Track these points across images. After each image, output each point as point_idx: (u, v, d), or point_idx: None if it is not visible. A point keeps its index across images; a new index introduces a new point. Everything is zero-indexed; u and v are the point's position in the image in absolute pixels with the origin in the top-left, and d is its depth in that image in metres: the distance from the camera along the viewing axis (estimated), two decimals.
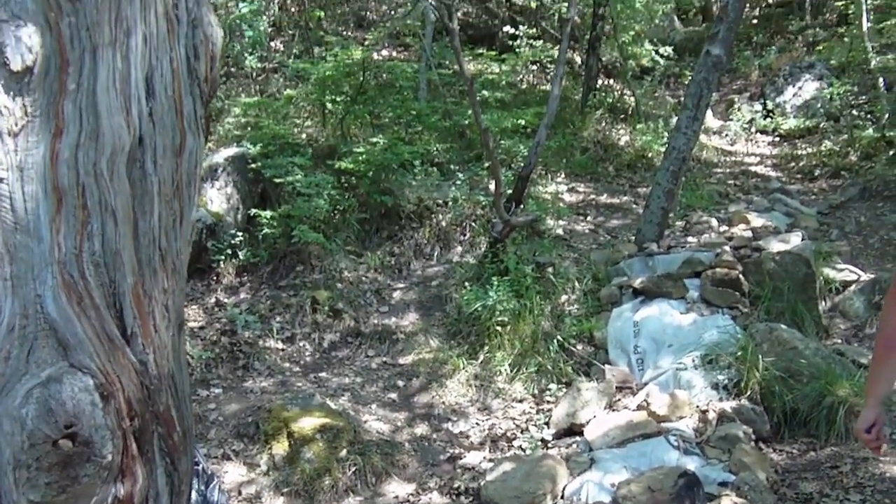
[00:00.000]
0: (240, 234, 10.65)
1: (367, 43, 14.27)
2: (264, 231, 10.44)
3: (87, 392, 3.39)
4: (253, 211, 10.74)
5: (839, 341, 8.54)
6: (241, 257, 10.49)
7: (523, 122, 13.09)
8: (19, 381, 3.35)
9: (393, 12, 18.29)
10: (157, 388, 3.77)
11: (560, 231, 11.59)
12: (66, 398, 3.33)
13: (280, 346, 9.43)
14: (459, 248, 11.46)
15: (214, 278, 10.42)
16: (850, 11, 17.61)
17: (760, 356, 7.40)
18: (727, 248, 9.42)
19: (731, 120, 18.11)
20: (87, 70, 3.62)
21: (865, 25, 15.39)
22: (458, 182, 11.91)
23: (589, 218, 12.54)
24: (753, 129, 17.72)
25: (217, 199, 10.82)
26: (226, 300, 10.10)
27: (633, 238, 10.63)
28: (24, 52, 3.48)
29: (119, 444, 3.49)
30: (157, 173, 3.82)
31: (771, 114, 17.73)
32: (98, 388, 3.43)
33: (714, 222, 10.98)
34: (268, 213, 10.50)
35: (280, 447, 7.23)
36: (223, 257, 10.42)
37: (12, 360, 3.38)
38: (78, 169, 3.58)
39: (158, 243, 3.85)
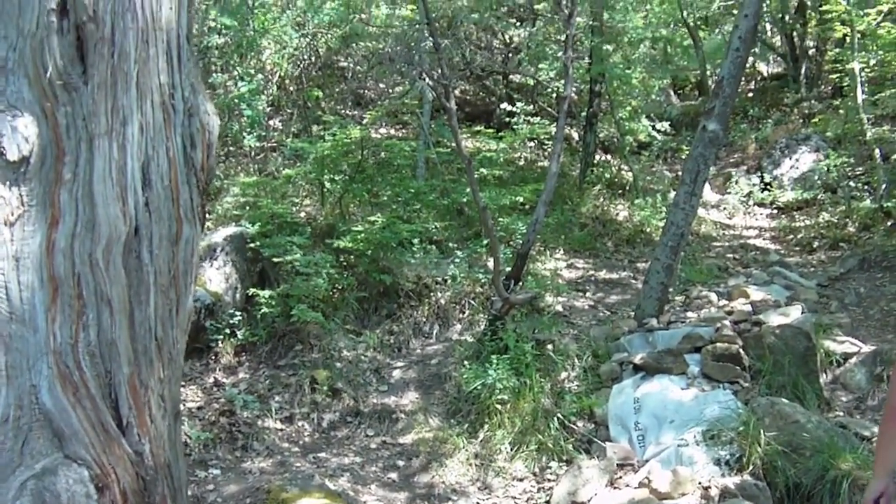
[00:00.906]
0: (238, 313, 10.63)
1: (365, 122, 14.37)
2: (263, 310, 10.41)
3: (82, 484, 3.38)
4: (251, 290, 10.72)
5: (841, 414, 8.47)
6: (239, 337, 10.45)
7: (521, 199, 13.13)
8: (13, 472, 3.33)
9: (391, 91, 18.41)
10: (153, 479, 3.74)
11: (559, 307, 11.57)
12: (61, 490, 3.32)
13: (279, 426, 9.37)
14: (458, 326, 11.43)
15: (213, 358, 10.37)
16: (844, 84, 17.70)
17: (762, 431, 7.34)
18: (727, 322, 9.39)
19: (729, 193, 18.16)
20: (83, 159, 3.65)
21: (860, 97, 15.49)
22: (457, 260, 11.92)
23: (588, 294, 12.53)
24: (751, 202, 17.76)
25: (216, 278, 10.81)
26: (224, 380, 10.05)
27: (633, 314, 10.61)
28: (20, 142, 3.51)
29: None
30: (153, 263, 3.83)
31: (769, 186, 17.79)
32: (93, 479, 3.42)
33: (714, 297, 10.95)
34: (266, 293, 10.48)
35: None
36: (222, 337, 10.38)
37: (6, 452, 3.37)
38: (74, 258, 3.60)
39: (154, 333, 3.85)
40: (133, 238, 3.76)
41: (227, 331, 10.42)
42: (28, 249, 3.52)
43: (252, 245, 11.21)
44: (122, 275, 3.71)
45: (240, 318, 10.56)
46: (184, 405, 9.23)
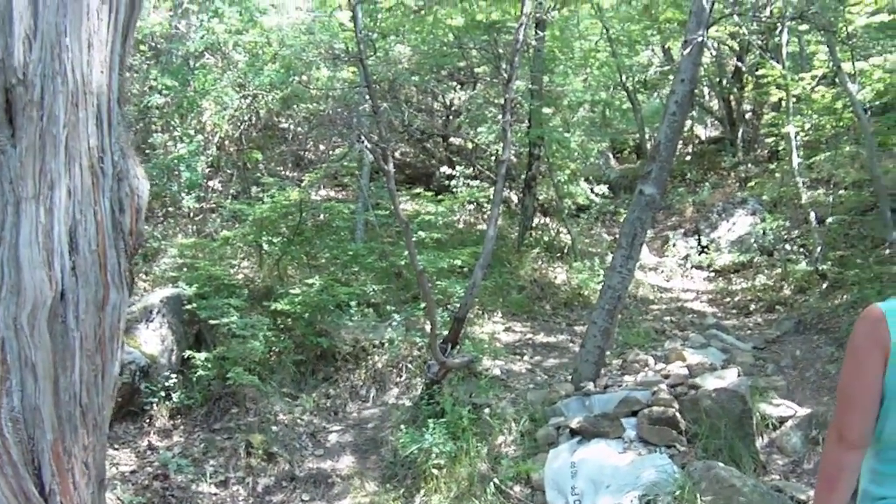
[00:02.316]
0: (174, 375, 10.52)
1: (304, 184, 14.36)
2: (199, 373, 10.33)
3: None
4: (188, 352, 10.62)
5: (777, 478, 8.51)
6: (174, 400, 10.33)
7: (460, 262, 13.16)
8: None
9: (331, 153, 18.44)
10: None
11: (497, 371, 11.54)
12: None
13: (213, 490, 9.25)
14: (395, 390, 11.39)
15: (147, 421, 10.22)
16: (780, 148, 18.01)
17: (698, 495, 7.38)
18: (663, 386, 9.43)
19: (667, 256, 18.34)
20: (9, 223, 3.60)
21: (796, 161, 15.73)
22: (395, 323, 11.92)
23: (526, 357, 12.53)
24: (689, 265, 17.93)
25: (151, 340, 10.70)
26: (158, 443, 9.91)
27: (570, 377, 10.62)
28: None
29: None
30: (79, 328, 3.77)
31: (706, 249, 17.98)
32: None
33: (651, 360, 11.00)
34: (202, 355, 10.40)
35: None
36: (157, 399, 10.25)
37: None
38: None
39: (79, 399, 3.79)
40: (59, 303, 3.71)
41: (163, 393, 10.30)
42: None
43: (189, 307, 11.13)
44: (48, 340, 3.65)
45: (175, 380, 10.45)
46: (116, 469, 9.10)
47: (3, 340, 3.56)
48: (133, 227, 4.08)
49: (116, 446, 9.55)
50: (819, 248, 14.83)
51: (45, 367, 3.64)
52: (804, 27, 15.80)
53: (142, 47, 15.40)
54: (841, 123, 15.72)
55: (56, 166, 3.76)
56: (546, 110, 17.70)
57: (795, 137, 15.85)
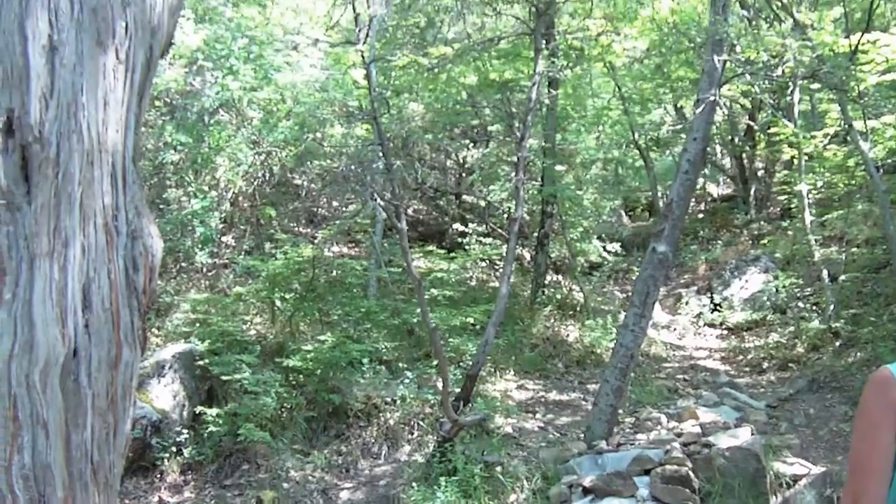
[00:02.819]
0: (185, 431, 10.52)
1: (317, 240, 14.40)
2: (210, 429, 10.32)
3: None
4: (199, 408, 10.63)
5: None
6: (185, 455, 10.33)
7: (472, 320, 13.17)
8: None
9: (344, 209, 18.50)
10: None
11: (509, 429, 11.51)
12: None
13: None
14: (407, 447, 11.34)
15: (158, 476, 10.21)
16: (793, 205, 18.02)
17: None
18: (676, 444, 9.37)
19: (680, 314, 18.31)
20: (23, 280, 3.61)
21: (808, 219, 15.73)
22: (407, 380, 11.89)
23: (538, 415, 12.48)
24: (702, 323, 17.89)
25: (163, 395, 10.71)
26: (169, 499, 9.89)
27: (583, 435, 10.57)
28: None
29: None
30: (91, 386, 3.78)
31: (718, 307, 17.94)
32: None
33: (663, 418, 10.95)
34: (214, 411, 10.39)
35: None
36: (168, 455, 10.25)
37: None
38: (10, 380, 3.54)
39: (91, 457, 3.78)
40: (71, 360, 3.71)
41: (174, 449, 10.30)
42: None
43: (201, 362, 11.15)
44: (60, 397, 3.65)
45: (186, 435, 10.45)
46: None
47: (15, 397, 3.56)
48: (146, 286, 4.09)
49: (127, 501, 9.52)
50: (832, 306, 14.80)
51: (56, 424, 3.64)
52: (816, 86, 15.86)
53: (157, 103, 15.51)
54: (853, 181, 15.76)
55: (71, 224, 3.78)
56: (559, 168, 17.79)
57: (808, 195, 15.87)
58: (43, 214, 3.71)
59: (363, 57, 11.46)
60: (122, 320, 3.94)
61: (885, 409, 3.01)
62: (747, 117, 22.31)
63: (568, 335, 16.16)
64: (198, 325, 12.63)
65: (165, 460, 10.26)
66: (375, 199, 12.43)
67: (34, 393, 3.59)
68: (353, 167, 15.32)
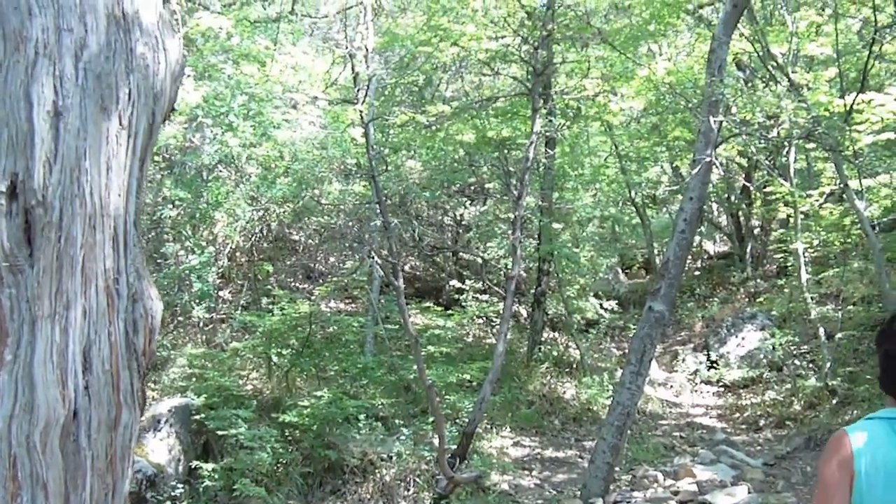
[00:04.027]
0: (181, 485, 10.48)
1: (314, 296, 14.44)
2: (206, 483, 10.29)
3: None
4: (195, 463, 10.61)
5: None
6: None
7: (469, 377, 13.18)
8: None
9: (341, 265, 18.56)
10: None
11: (505, 486, 11.51)
12: None
13: None
14: None
15: None
16: (789, 263, 18.07)
17: None
18: (673, 502, 9.39)
19: (676, 371, 18.33)
20: (24, 342, 3.66)
21: (804, 277, 15.78)
22: (403, 437, 11.86)
23: (534, 472, 12.48)
24: (698, 380, 17.92)
25: (159, 449, 10.70)
26: None
27: (579, 493, 10.58)
28: None
29: None
30: (90, 447, 3.82)
31: (715, 364, 17.96)
32: None
33: (660, 476, 10.96)
34: (210, 466, 10.37)
35: None
36: None
37: None
38: (10, 440, 3.58)
39: None
40: (72, 422, 3.75)
41: (169, 503, 10.26)
42: None
43: (197, 417, 11.14)
44: (59, 458, 3.69)
45: (182, 490, 10.41)
46: None
47: (14, 457, 3.60)
48: (146, 348, 4.15)
49: None
50: (829, 364, 14.82)
51: (56, 485, 3.67)
52: (811, 145, 15.98)
53: (156, 158, 15.59)
54: (849, 240, 15.82)
55: (72, 287, 3.83)
56: (556, 226, 17.87)
57: (804, 253, 15.93)
58: (45, 277, 3.76)
59: (362, 116, 11.58)
60: (121, 382, 3.98)
61: (840, 467, 3.10)
62: (743, 176, 22.42)
63: (564, 392, 16.16)
64: (194, 379, 12.63)
65: None
66: (373, 257, 12.52)
67: (34, 453, 3.63)
68: (350, 224, 15.42)
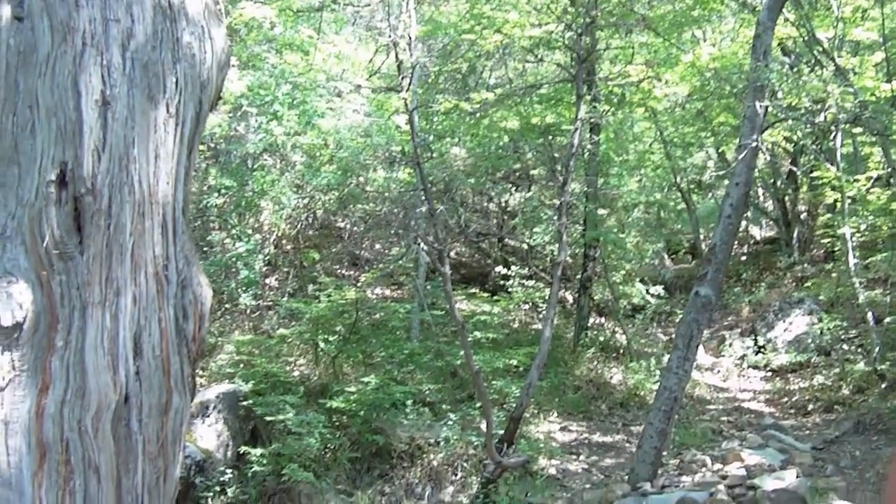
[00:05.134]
0: (229, 471, 10.57)
1: (360, 284, 14.47)
2: (254, 468, 10.37)
3: None
4: (243, 448, 10.69)
5: None
6: (229, 495, 10.37)
7: (515, 362, 13.16)
8: None
9: (387, 252, 18.59)
10: None
11: (553, 471, 11.51)
12: None
13: None
14: (451, 488, 11.34)
15: None
16: (836, 248, 17.89)
17: None
18: (721, 487, 9.32)
19: (723, 356, 18.21)
20: (75, 328, 3.71)
21: (852, 262, 15.61)
22: (450, 422, 11.87)
23: (582, 457, 12.46)
24: (745, 365, 17.78)
25: (207, 435, 10.80)
26: None
27: (627, 477, 10.54)
28: (14, 309, 3.58)
29: None
30: (142, 431, 3.86)
31: (762, 349, 17.82)
32: None
33: (708, 460, 10.89)
34: (258, 451, 10.45)
35: None
36: (211, 494, 10.31)
37: None
38: (63, 425, 3.63)
39: (141, 501, 3.86)
40: (123, 406, 3.80)
41: (217, 488, 10.36)
42: (17, 414, 3.56)
43: (245, 403, 11.23)
44: (111, 442, 3.74)
45: (230, 475, 10.50)
46: None
47: (67, 442, 3.65)
48: (196, 334, 4.19)
49: None
50: (877, 348, 14.66)
51: (108, 468, 3.72)
52: (858, 130, 15.80)
53: (201, 147, 15.68)
54: None
55: (122, 273, 3.88)
56: (601, 212, 17.81)
57: (851, 238, 15.75)
58: (95, 264, 3.81)
59: (406, 103, 11.58)
60: (172, 367, 4.03)
61: None
62: (790, 161, 22.18)
63: (611, 377, 16.13)
64: (242, 366, 12.73)
65: (209, 499, 10.31)
66: (418, 244, 12.52)
67: (86, 438, 3.68)
68: (395, 211, 15.43)
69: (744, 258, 23.86)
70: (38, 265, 3.73)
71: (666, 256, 24.42)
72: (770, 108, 11.53)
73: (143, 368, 3.89)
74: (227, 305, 15.25)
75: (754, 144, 10.54)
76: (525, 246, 19.94)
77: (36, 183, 3.79)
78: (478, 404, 11.75)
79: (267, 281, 16.52)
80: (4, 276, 3.65)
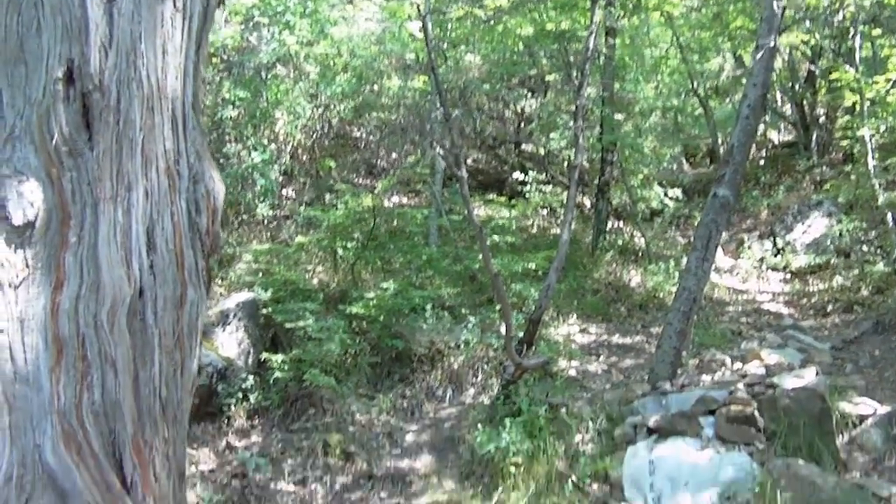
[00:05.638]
0: (251, 377, 10.64)
1: (377, 191, 14.45)
2: (275, 375, 10.43)
3: None
4: (264, 355, 10.73)
5: (858, 475, 8.40)
6: (252, 401, 10.45)
7: (534, 266, 13.15)
8: None
9: (403, 160, 18.54)
10: None
11: (573, 372, 11.55)
12: None
13: (291, 488, 9.32)
14: (472, 391, 11.41)
15: (225, 422, 10.35)
16: (855, 150, 17.75)
17: (779, 492, 7.31)
18: (741, 385, 9.32)
19: (742, 258, 18.18)
20: (88, 224, 3.69)
21: (871, 164, 15.49)
22: (470, 325, 11.89)
23: (601, 358, 12.50)
24: (764, 267, 17.75)
25: (228, 343, 10.86)
26: (236, 443, 10.03)
27: (647, 378, 10.57)
28: (25, 207, 3.57)
29: None
30: (157, 325, 3.87)
31: (781, 251, 17.78)
32: None
33: (727, 360, 10.88)
34: (279, 357, 10.49)
35: None
36: (234, 401, 10.38)
37: None
38: (78, 320, 3.64)
39: (159, 393, 3.87)
40: (137, 300, 3.80)
41: (240, 395, 10.44)
42: (32, 311, 3.56)
43: (265, 311, 11.29)
44: (127, 336, 3.74)
45: (252, 382, 10.57)
46: (196, 468, 9.24)
47: (83, 337, 3.66)
48: (210, 228, 4.17)
49: (195, 446, 9.69)
50: None
51: (124, 362, 3.73)
52: (878, 31, 15.58)
53: (214, 60, 15.61)
54: None
55: (133, 168, 3.86)
56: (618, 116, 17.66)
57: (870, 140, 15.61)
58: (105, 160, 3.79)
59: (419, 10, 11.45)
60: (186, 261, 4.03)
61: None
62: (807, 64, 21.94)
63: (630, 280, 16.13)
64: (261, 274, 12.78)
65: (232, 406, 10.39)
66: (435, 148, 12.46)
67: (102, 333, 3.69)
68: (410, 118, 15.36)
69: (762, 162, 23.69)
70: (48, 163, 3.71)
71: (684, 161, 24.30)
72: (787, 10, 11.37)
73: (156, 262, 3.89)
74: (244, 216, 15.27)
75: (772, 45, 10.42)
76: (542, 151, 19.84)
77: (43, 81, 3.76)
78: (497, 307, 11.75)
79: (284, 192, 16.52)
80: (15, 176, 3.64)
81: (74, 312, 3.64)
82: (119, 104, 3.86)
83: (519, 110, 21.32)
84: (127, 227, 3.79)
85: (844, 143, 18.91)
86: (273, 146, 15.37)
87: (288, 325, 10.93)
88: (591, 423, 9.62)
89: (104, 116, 3.83)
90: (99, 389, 3.66)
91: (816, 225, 17.85)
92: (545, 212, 18.68)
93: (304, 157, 17.12)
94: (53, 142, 3.72)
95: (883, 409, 9.28)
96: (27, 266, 3.60)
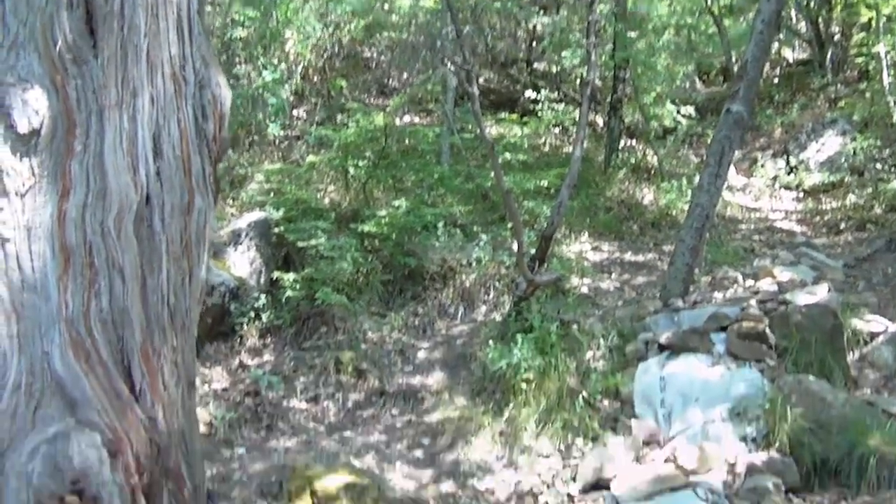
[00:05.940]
0: (263, 296, 10.65)
1: (388, 109, 14.37)
2: (287, 294, 10.44)
3: (95, 448, 3.39)
4: (276, 274, 10.74)
5: (868, 392, 8.42)
6: (264, 320, 10.47)
7: (546, 184, 13.11)
8: (25, 437, 3.35)
9: (414, 80, 18.41)
10: (166, 445, 3.75)
11: (585, 289, 11.55)
12: (74, 454, 3.33)
13: (304, 406, 9.38)
14: (484, 308, 11.42)
15: (238, 340, 10.39)
16: (870, 68, 17.58)
17: (789, 408, 7.31)
18: (753, 302, 9.30)
19: (755, 177, 18.10)
20: (93, 131, 3.67)
21: (886, 81, 15.36)
22: (482, 243, 11.86)
23: (614, 276, 12.49)
24: (777, 186, 17.67)
25: (240, 262, 10.86)
26: (249, 362, 10.08)
27: (659, 295, 10.56)
28: (30, 115, 3.54)
29: (127, 500, 3.47)
30: (164, 232, 3.85)
31: (794, 170, 17.69)
32: (106, 444, 3.43)
33: (740, 277, 10.87)
34: (291, 276, 10.50)
35: None
36: (246, 320, 10.41)
37: (18, 417, 3.39)
38: (85, 228, 3.62)
39: (167, 301, 3.86)
40: (144, 207, 3.79)
41: (252, 314, 10.46)
42: (39, 220, 3.55)
43: (276, 230, 11.28)
44: (134, 243, 3.73)
45: (264, 301, 10.59)
46: (209, 386, 9.31)
47: (90, 245, 3.64)
48: (217, 134, 4.14)
49: (208, 364, 9.75)
50: None
51: (132, 269, 3.72)
52: None
53: None
54: None
55: (138, 75, 3.82)
56: (631, 34, 17.47)
57: (886, 57, 15.45)
58: (110, 66, 3.76)
59: None
60: (193, 167, 4.00)
61: None
62: None
63: (643, 198, 16.08)
64: (272, 194, 12.77)
65: (244, 325, 10.42)
66: (446, 65, 12.36)
67: (109, 239, 3.67)
68: (421, 37, 15.22)
69: (776, 80, 23.47)
70: (53, 70, 3.68)
71: (697, 79, 24.08)
72: None
73: (163, 169, 3.86)
74: (255, 136, 15.22)
75: None
76: (554, 69, 19.68)
77: None
78: (509, 225, 11.72)
79: (294, 112, 16.44)
80: (19, 83, 3.61)
81: (81, 220, 3.63)
82: (123, 10, 3.81)
83: (531, 28, 21.14)
84: (133, 134, 3.76)
85: (859, 60, 18.74)
86: (283, 66, 15.26)
87: (300, 244, 10.93)
88: (602, 340, 9.63)
89: (108, 22, 3.79)
90: (107, 297, 3.65)
91: (830, 143, 17.72)
92: (557, 130, 18.57)
93: (315, 78, 17.03)
94: (57, 49, 3.69)
95: (894, 327, 9.27)
96: (33, 174, 3.58)
